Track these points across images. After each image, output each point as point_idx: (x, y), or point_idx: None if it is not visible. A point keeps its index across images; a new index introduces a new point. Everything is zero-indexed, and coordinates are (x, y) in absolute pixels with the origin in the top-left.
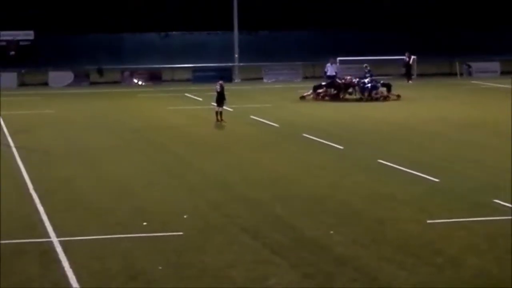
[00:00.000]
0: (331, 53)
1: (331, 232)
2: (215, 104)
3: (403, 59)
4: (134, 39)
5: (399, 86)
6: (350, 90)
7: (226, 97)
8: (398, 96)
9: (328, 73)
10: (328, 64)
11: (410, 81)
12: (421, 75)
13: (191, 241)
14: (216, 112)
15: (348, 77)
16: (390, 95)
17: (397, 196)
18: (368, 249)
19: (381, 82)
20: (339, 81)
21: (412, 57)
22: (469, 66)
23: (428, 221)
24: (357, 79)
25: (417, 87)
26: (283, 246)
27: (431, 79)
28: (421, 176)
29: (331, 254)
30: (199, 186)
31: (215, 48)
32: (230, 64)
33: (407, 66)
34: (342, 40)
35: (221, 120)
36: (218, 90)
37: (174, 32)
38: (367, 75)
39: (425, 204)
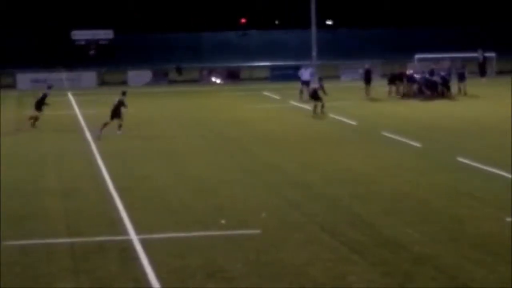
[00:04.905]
0: (409, 51)
1: (410, 230)
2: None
3: (476, 56)
4: (213, 38)
5: (474, 84)
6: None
7: (321, 93)
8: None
9: (303, 78)
10: (302, 69)
11: (483, 79)
12: (500, 73)
13: (270, 239)
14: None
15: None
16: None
17: (476, 194)
18: (447, 248)
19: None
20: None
21: (485, 54)
22: None
23: (507, 219)
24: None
25: (495, 85)
26: (362, 245)
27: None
28: (500, 174)
29: (410, 252)
30: (277, 184)
31: (293, 47)
32: (308, 63)
33: (481, 63)
34: (421, 37)
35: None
36: (317, 87)
37: (252, 31)
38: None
39: (504, 202)
